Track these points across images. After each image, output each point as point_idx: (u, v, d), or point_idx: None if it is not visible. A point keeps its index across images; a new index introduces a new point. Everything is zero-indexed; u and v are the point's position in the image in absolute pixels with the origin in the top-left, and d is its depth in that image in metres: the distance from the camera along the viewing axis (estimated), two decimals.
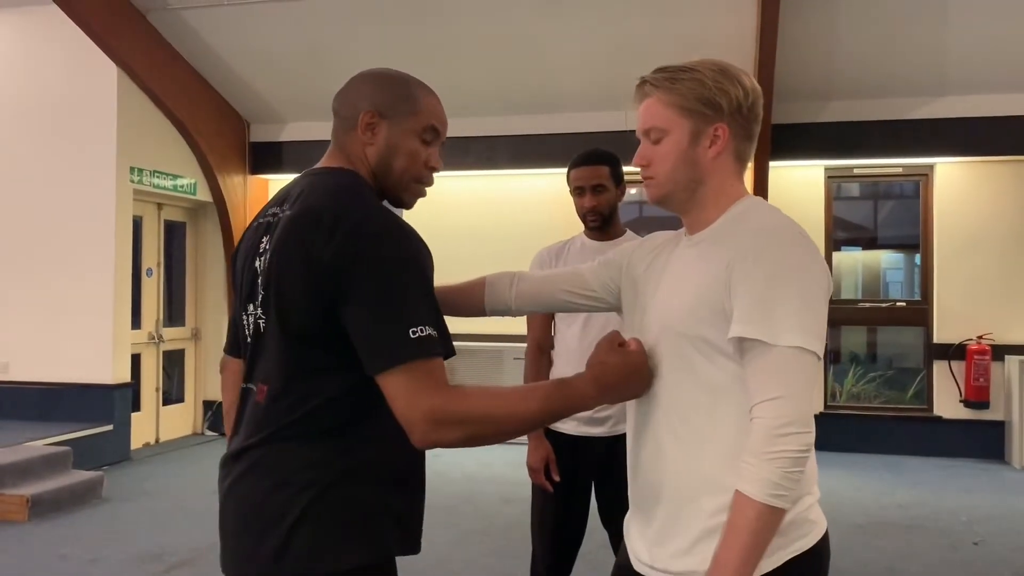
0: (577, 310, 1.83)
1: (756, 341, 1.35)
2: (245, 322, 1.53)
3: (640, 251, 1.68)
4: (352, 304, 1.35)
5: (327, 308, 1.37)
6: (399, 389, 1.33)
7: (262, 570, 1.42)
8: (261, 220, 1.55)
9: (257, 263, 1.50)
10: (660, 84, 1.50)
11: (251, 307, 1.51)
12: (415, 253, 1.40)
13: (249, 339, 1.52)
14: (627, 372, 1.47)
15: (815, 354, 1.36)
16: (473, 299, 1.78)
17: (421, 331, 1.33)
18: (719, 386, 1.42)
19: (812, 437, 1.34)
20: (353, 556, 1.41)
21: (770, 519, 1.33)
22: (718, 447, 1.42)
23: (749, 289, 1.37)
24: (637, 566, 1.54)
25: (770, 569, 1.38)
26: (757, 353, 1.36)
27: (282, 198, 1.54)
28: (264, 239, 1.50)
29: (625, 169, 2.80)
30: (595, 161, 2.78)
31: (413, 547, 1.53)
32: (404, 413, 1.33)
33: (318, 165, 1.59)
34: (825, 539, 1.47)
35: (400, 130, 1.53)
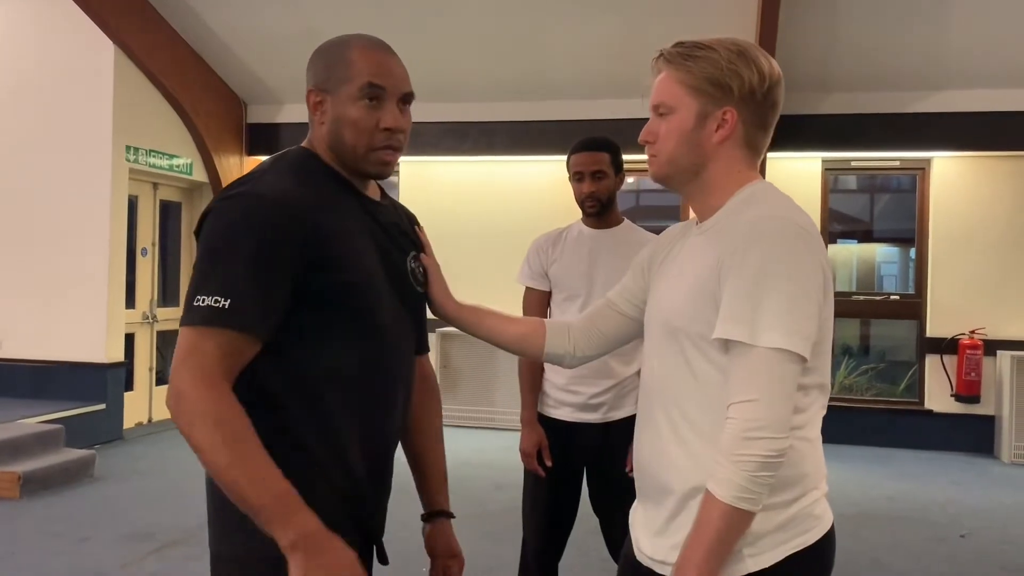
0: (640, 323, 1.66)
1: (737, 341, 1.32)
2: None
3: (658, 244, 1.65)
4: None
5: None
6: (177, 348, 1.31)
7: (215, 548, 1.45)
8: None
9: None
10: (673, 60, 1.45)
11: None
12: (240, 222, 1.33)
13: None
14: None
15: (799, 356, 1.31)
16: (533, 346, 1.71)
17: (201, 301, 1.29)
18: (717, 382, 1.38)
19: (785, 443, 1.30)
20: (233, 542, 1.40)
21: (736, 520, 1.31)
22: (712, 444, 1.37)
23: (735, 286, 1.33)
24: (639, 556, 1.54)
25: (771, 564, 1.36)
26: (738, 353, 1.32)
27: None
28: None
29: (624, 157, 2.80)
30: (596, 147, 2.77)
31: (381, 555, 1.52)
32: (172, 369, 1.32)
33: None
34: (829, 535, 1.44)
35: (340, 100, 1.44)
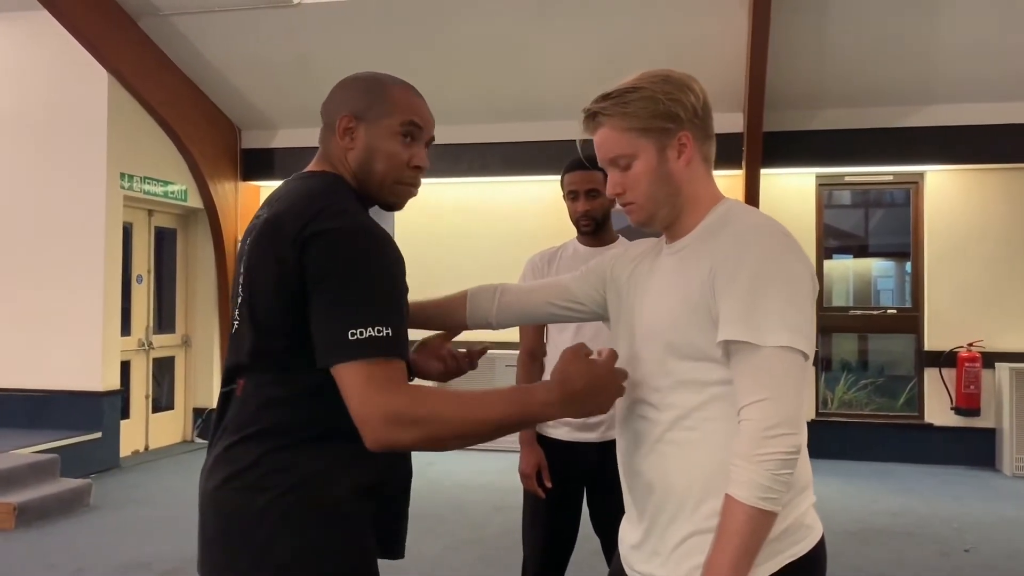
0: (562, 321, 1.82)
1: (743, 343, 1.34)
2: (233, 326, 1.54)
3: (622, 259, 1.67)
4: (313, 303, 1.36)
5: (291, 304, 1.38)
6: (353, 386, 1.31)
7: None
8: (251, 224, 1.56)
9: (241, 266, 1.52)
10: (611, 112, 1.48)
11: (236, 310, 1.52)
12: (376, 253, 1.38)
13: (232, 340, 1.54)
14: (591, 381, 1.40)
15: (803, 353, 1.34)
16: (455, 314, 1.76)
17: (375, 331, 1.31)
18: (709, 393, 1.41)
19: (802, 438, 1.33)
20: (331, 563, 1.40)
21: (761, 522, 1.31)
22: (709, 453, 1.40)
23: (733, 291, 1.35)
24: (629, 572, 1.54)
25: (767, 575, 1.37)
26: (744, 355, 1.34)
27: (266, 201, 1.56)
28: (247, 242, 1.51)
29: None
30: (589, 166, 2.78)
31: (394, 551, 1.52)
32: (358, 410, 1.31)
33: (304, 170, 1.59)
34: (821, 544, 1.46)
35: (377, 132, 1.52)
